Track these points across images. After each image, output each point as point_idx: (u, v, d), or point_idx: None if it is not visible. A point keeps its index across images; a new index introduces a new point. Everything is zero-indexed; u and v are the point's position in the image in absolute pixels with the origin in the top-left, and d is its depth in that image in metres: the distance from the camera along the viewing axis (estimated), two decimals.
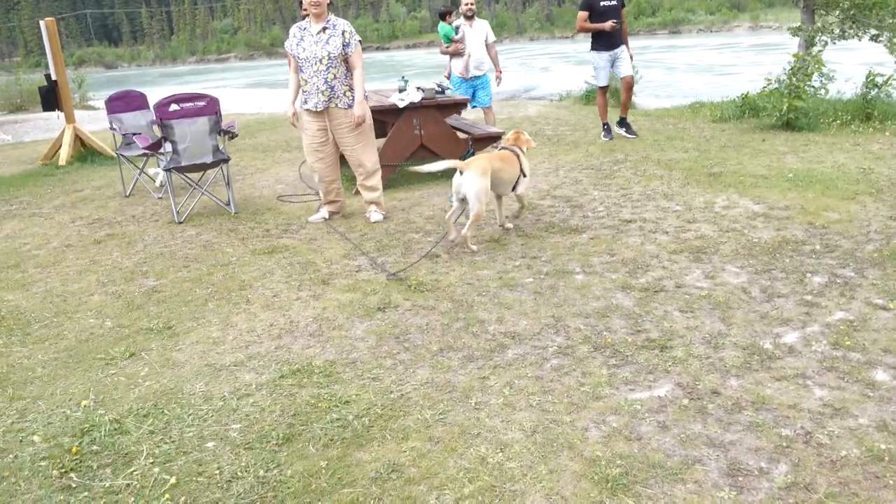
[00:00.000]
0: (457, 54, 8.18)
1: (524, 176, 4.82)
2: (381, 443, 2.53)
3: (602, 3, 7.75)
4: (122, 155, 6.87)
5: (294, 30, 5.28)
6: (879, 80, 8.35)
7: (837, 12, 10.21)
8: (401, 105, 6.28)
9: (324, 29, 5.13)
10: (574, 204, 5.52)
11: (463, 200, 4.52)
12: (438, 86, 6.77)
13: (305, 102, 5.26)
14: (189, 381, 3.08)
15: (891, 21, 9.87)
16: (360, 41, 5.23)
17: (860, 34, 10.29)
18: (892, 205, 4.94)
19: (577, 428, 2.55)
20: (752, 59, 30.59)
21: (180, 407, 2.86)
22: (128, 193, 6.86)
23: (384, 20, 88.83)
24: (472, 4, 8.05)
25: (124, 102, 7.22)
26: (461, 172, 4.44)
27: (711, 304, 3.55)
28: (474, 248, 4.53)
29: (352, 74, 5.22)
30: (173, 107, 5.65)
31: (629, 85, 8.15)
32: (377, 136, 7.50)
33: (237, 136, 6.23)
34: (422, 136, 6.42)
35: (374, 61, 55.89)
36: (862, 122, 8.08)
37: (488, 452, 2.43)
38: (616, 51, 7.94)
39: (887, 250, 4.10)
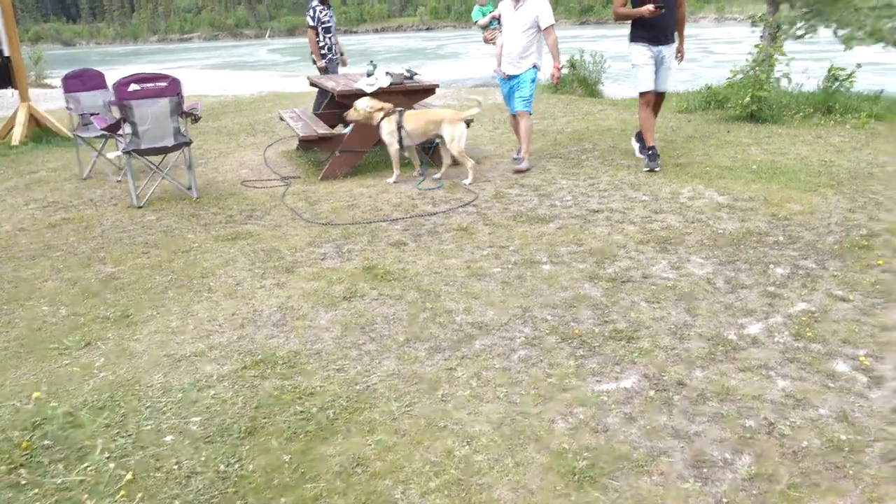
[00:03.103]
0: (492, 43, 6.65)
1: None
2: (345, 436, 2.48)
3: None
4: (79, 136, 6.64)
5: None
6: (840, 74, 8.50)
7: (799, 4, 10.34)
8: (369, 90, 6.18)
9: None
10: (542, 193, 5.51)
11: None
12: (407, 71, 6.67)
13: None
14: (147, 372, 2.99)
15: (849, 14, 10.02)
16: None
17: (823, 27, 10.44)
18: (852, 197, 5.04)
19: (544, 420, 2.54)
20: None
21: (137, 399, 2.77)
22: (85, 176, 6.64)
23: (352, 3, 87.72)
24: None
25: (81, 81, 6.96)
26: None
27: (677, 294, 3.57)
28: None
29: None
30: (133, 87, 5.46)
31: (658, 102, 6.27)
32: (343, 124, 7.39)
33: (200, 118, 6.07)
34: None
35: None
36: (823, 115, 8.22)
37: (455, 445, 2.41)
38: (663, 48, 5.97)
39: (847, 242, 4.17)
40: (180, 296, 3.79)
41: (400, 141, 5.90)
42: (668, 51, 6.00)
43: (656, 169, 6.00)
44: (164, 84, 5.51)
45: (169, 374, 2.96)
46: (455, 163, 6.07)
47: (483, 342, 3.14)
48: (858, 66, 8.60)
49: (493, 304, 3.52)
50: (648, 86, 6.02)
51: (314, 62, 8.67)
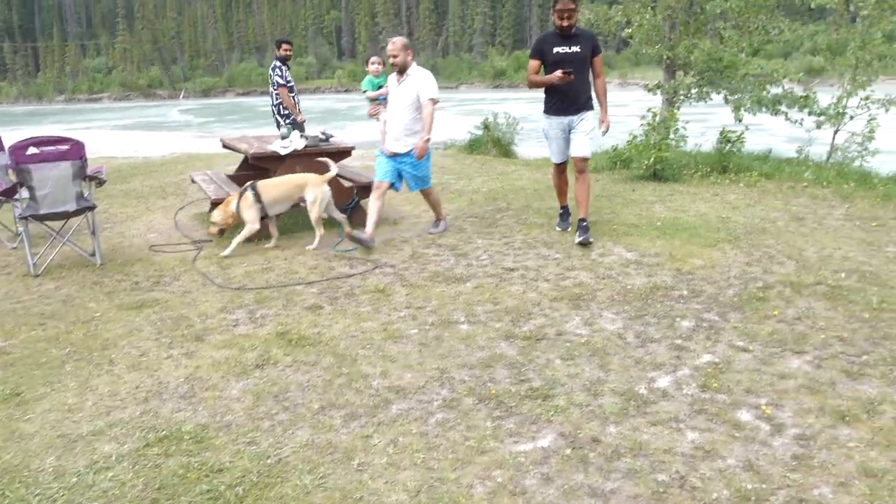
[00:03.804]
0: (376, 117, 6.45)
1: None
2: None
3: (556, 50, 5.64)
4: None
5: None
6: (732, 136, 9.14)
7: (693, 73, 11.17)
8: (283, 153, 6.16)
9: None
10: (458, 252, 5.57)
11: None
12: (323, 133, 6.70)
13: None
14: (38, 455, 2.77)
15: (737, 83, 10.91)
16: None
17: (714, 94, 11.30)
18: (748, 252, 5.35)
19: (462, 485, 2.50)
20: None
21: (25, 487, 2.55)
22: None
23: (269, 65, 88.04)
24: (394, 53, 5.66)
25: None
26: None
27: (590, 350, 3.65)
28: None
29: None
30: (31, 150, 5.22)
31: (580, 168, 5.83)
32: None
33: (105, 182, 5.85)
34: None
35: (252, 105, 55.12)
36: (719, 174, 8.77)
37: None
38: (573, 118, 5.77)
39: (745, 295, 4.40)
40: (79, 370, 3.57)
41: (265, 213, 5.71)
42: (578, 118, 5.77)
43: (567, 229, 6.15)
44: (65, 147, 5.30)
45: (63, 456, 2.76)
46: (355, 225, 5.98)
47: (400, 407, 3.10)
48: (746, 128, 9.29)
49: (411, 367, 3.49)
50: (558, 158, 6.05)
51: (281, 122, 8.52)
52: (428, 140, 5.73)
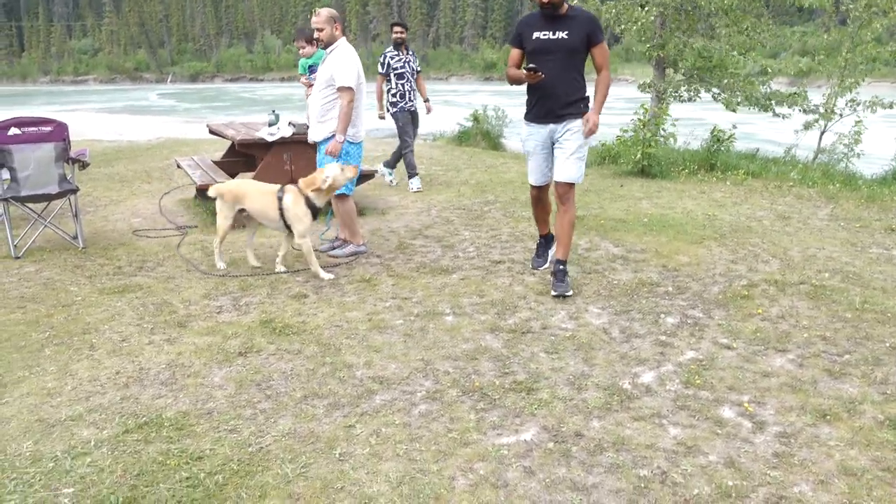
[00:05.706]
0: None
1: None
2: (235, 502, 2.34)
3: (536, 35, 4.34)
4: None
5: None
6: (722, 135, 9.17)
7: (683, 71, 11.20)
8: (270, 139, 6.10)
9: None
10: (445, 244, 5.56)
11: None
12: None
13: None
14: (15, 439, 2.73)
15: (727, 81, 10.98)
16: None
17: (703, 92, 11.35)
18: (733, 249, 5.37)
19: (444, 477, 2.49)
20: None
21: (1, 471, 2.51)
22: None
23: (259, 51, 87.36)
24: (318, 26, 4.95)
25: None
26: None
27: (575, 344, 3.65)
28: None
29: None
30: (13, 131, 5.15)
31: (564, 198, 4.46)
32: (245, 171, 7.25)
33: (88, 164, 5.77)
34: (292, 171, 6.25)
35: (238, 91, 54.72)
36: (707, 171, 8.81)
37: None
38: (555, 127, 4.43)
39: (730, 292, 4.42)
40: (58, 354, 3.52)
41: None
42: (564, 128, 4.41)
43: (542, 267, 4.92)
44: (48, 129, 5.23)
45: (40, 441, 2.72)
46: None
47: (383, 397, 3.08)
48: (734, 127, 9.33)
49: (395, 358, 3.48)
50: (533, 179, 4.68)
51: (389, 109, 7.92)
52: (342, 142, 4.88)
